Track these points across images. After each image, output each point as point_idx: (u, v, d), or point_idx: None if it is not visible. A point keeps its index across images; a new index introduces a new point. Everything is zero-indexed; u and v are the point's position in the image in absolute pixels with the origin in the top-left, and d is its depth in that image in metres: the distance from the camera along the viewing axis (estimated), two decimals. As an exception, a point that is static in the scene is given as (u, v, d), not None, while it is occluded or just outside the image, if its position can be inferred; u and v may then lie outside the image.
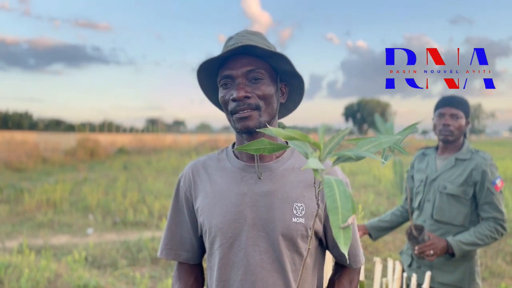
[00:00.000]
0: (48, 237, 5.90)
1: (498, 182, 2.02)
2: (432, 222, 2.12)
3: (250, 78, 1.09)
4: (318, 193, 0.74)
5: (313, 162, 0.64)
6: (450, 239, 1.97)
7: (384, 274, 2.05)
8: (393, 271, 1.89)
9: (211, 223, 1.14)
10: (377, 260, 1.90)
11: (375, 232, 2.35)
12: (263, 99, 1.10)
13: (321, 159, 0.70)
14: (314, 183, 0.80)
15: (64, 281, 4.03)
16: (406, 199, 2.37)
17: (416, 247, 1.93)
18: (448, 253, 1.98)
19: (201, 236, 1.23)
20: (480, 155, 2.08)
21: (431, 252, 1.91)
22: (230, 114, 1.11)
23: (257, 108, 1.09)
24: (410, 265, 2.24)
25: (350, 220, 0.59)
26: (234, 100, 1.08)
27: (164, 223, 5.75)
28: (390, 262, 1.92)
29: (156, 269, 4.71)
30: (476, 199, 2.06)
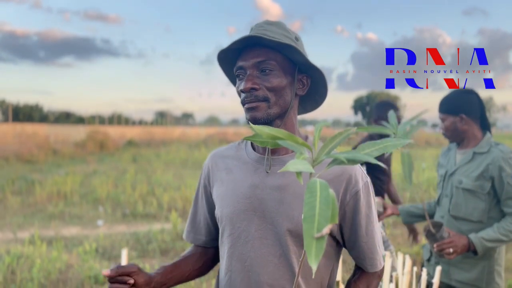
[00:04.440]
0: (59, 229, 5.97)
1: None
2: (449, 218, 2.08)
3: (260, 69, 1.08)
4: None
5: (293, 164, 0.58)
6: (472, 236, 1.91)
7: (394, 268, 2.05)
8: (403, 265, 1.88)
9: (223, 212, 1.16)
10: (387, 254, 1.89)
11: (405, 217, 2.33)
12: (273, 91, 1.08)
13: (315, 160, 0.65)
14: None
15: (75, 272, 4.09)
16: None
17: (435, 245, 1.88)
18: (470, 250, 1.92)
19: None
20: (499, 148, 2.01)
21: (451, 250, 1.86)
22: (242, 104, 1.12)
23: (265, 100, 1.08)
24: (428, 260, 2.21)
25: (325, 230, 0.54)
26: (242, 91, 1.09)
27: (174, 215, 5.81)
28: (400, 256, 1.91)
29: (166, 261, 4.74)
30: (497, 194, 1.99)
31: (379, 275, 1.21)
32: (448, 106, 2.10)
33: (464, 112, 2.06)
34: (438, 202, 2.21)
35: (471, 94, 2.09)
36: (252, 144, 1.21)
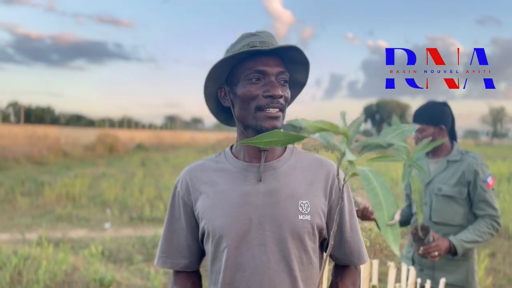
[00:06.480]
0: (67, 231, 6.01)
1: (490, 180, 2.09)
2: (430, 225, 2.14)
3: (280, 79, 1.10)
4: (343, 186, 0.71)
5: (350, 155, 0.62)
6: (452, 238, 2.01)
7: (398, 279, 2.03)
8: (406, 276, 1.87)
9: (214, 225, 1.11)
10: (391, 265, 1.88)
11: None
12: (286, 102, 1.12)
13: (348, 149, 0.67)
14: (337, 175, 0.74)
15: (80, 274, 4.10)
16: (408, 205, 2.43)
17: (422, 248, 1.94)
18: (450, 252, 2.01)
19: (202, 241, 1.19)
20: (471, 155, 2.15)
21: (436, 253, 1.94)
22: (256, 109, 1.08)
23: (283, 109, 1.11)
24: None
25: (396, 217, 0.56)
26: (270, 96, 1.07)
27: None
28: (404, 267, 1.90)
29: (171, 266, 4.74)
30: (470, 198, 2.10)
31: (360, 270, 1.25)
32: (429, 117, 2.18)
33: (444, 123, 2.18)
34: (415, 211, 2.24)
35: (446, 106, 2.22)
36: (234, 154, 1.19)
